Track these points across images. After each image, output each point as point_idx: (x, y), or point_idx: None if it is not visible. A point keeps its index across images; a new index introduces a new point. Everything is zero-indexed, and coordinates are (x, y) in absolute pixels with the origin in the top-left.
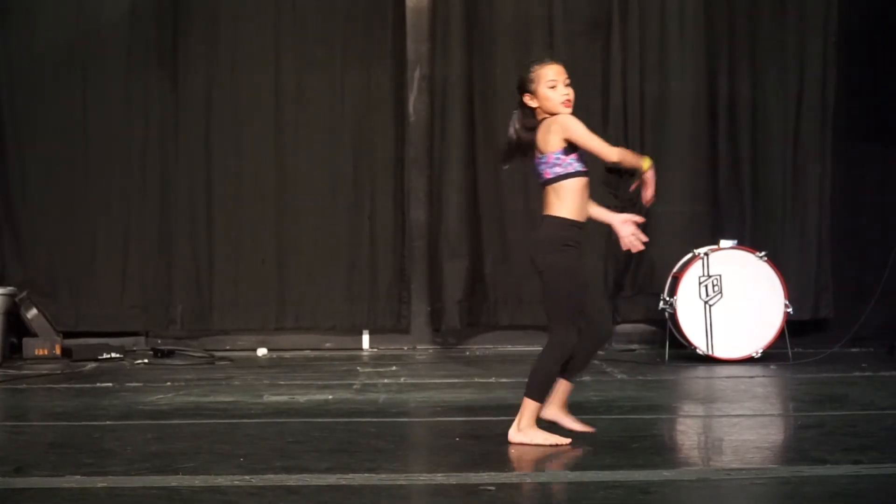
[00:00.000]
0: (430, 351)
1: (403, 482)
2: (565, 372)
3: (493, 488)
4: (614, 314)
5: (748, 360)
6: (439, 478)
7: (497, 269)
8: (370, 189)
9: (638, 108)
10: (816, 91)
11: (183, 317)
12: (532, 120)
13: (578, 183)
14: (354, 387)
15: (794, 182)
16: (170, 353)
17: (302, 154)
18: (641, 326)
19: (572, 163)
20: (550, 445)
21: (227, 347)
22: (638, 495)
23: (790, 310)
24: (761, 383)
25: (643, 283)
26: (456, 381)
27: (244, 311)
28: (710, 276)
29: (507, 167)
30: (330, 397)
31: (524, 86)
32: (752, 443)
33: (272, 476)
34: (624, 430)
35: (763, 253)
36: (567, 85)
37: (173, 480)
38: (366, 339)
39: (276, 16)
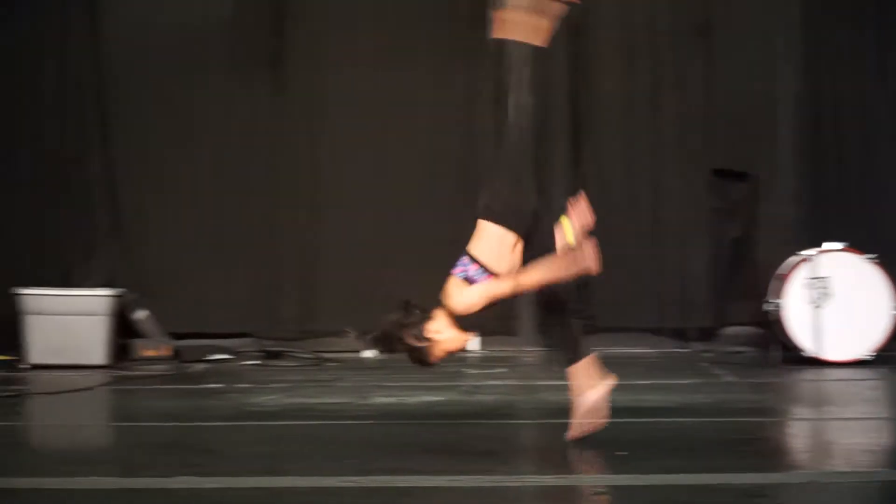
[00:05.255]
0: (538, 353)
1: (514, 484)
2: None
3: (602, 490)
4: (722, 316)
5: (858, 363)
6: (548, 480)
7: (606, 270)
8: (471, 189)
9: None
10: None
11: (290, 318)
12: None
13: None
14: (462, 388)
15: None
16: (278, 355)
17: (409, 157)
18: (748, 329)
19: None
20: None
21: (335, 349)
22: (745, 499)
23: None
24: (872, 386)
25: (749, 284)
26: (564, 382)
27: (351, 312)
28: (817, 279)
29: None
30: (438, 399)
31: None
32: (862, 446)
33: (382, 477)
34: (733, 432)
35: (872, 255)
36: None
37: (282, 482)
38: (474, 340)
39: (377, 18)
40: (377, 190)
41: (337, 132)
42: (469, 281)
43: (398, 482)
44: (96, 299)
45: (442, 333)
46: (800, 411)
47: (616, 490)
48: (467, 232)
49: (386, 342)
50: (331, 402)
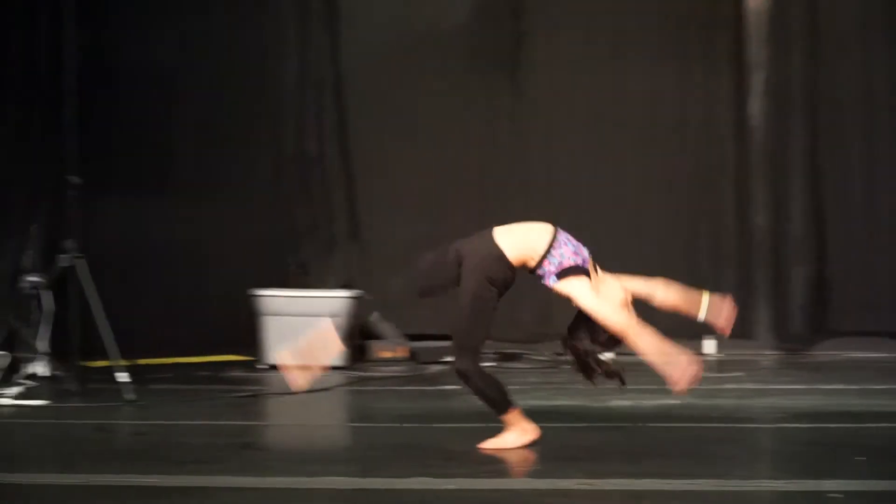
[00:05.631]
0: (775, 356)
1: (750, 488)
2: None
3: (840, 496)
4: None
5: None
6: (785, 484)
7: (842, 274)
8: (710, 192)
9: None
10: None
11: (528, 320)
12: None
13: None
14: (699, 392)
15: None
16: (515, 357)
17: (639, 157)
18: None
19: None
20: None
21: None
22: None
23: None
24: None
25: None
26: (800, 387)
27: None
28: None
29: None
30: (675, 402)
31: None
32: None
33: (617, 480)
34: None
35: None
36: None
37: (517, 483)
38: (709, 343)
39: (615, 19)
40: (609, 191)
41: (572, 134)
42: (560, 275)
43: (633, 485)
44: (334, 301)
45: None
46: None
47: (854, 495)
48: (700, 232)
49: (588, 373)
50: (567, 404)
